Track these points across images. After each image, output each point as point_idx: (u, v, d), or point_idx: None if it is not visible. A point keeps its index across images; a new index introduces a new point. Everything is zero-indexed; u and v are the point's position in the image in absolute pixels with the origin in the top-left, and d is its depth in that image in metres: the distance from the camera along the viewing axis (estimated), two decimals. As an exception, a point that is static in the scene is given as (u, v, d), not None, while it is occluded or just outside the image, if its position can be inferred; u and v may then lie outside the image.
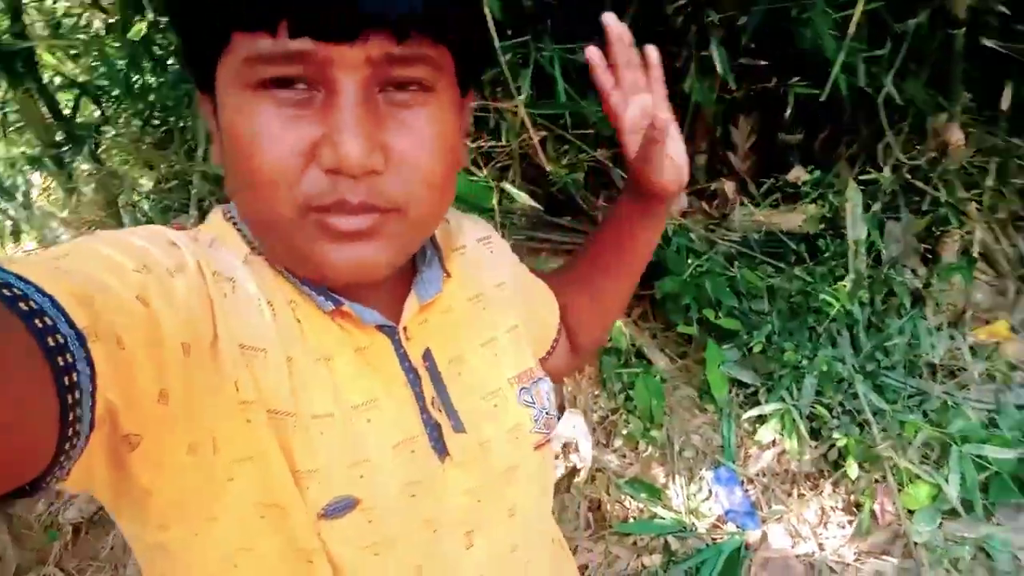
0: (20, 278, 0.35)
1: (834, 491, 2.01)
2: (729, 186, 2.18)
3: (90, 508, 1.79)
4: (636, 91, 0.69)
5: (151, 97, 1.96)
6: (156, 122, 1.96)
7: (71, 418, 0.34)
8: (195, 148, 1.72)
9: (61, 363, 0.33)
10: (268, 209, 0.47)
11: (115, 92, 1.89)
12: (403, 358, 0.56)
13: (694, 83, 1.85)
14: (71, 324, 0.35)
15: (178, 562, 0.50)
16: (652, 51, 0.68)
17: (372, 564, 0.52)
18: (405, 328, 0.57)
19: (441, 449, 0.56)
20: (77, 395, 0.34)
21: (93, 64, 1.88)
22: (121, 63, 1.73)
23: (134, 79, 1.88)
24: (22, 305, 0.33)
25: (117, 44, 1.85)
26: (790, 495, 1.98)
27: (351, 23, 0.43)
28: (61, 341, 0.34)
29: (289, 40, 0.43)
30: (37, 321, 0.33)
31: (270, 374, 0.49)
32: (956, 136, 2.30)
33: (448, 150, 0.50)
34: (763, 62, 2.00)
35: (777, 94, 2.15)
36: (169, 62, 1.84)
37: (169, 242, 0.48)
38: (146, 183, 2.04)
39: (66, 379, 0.34)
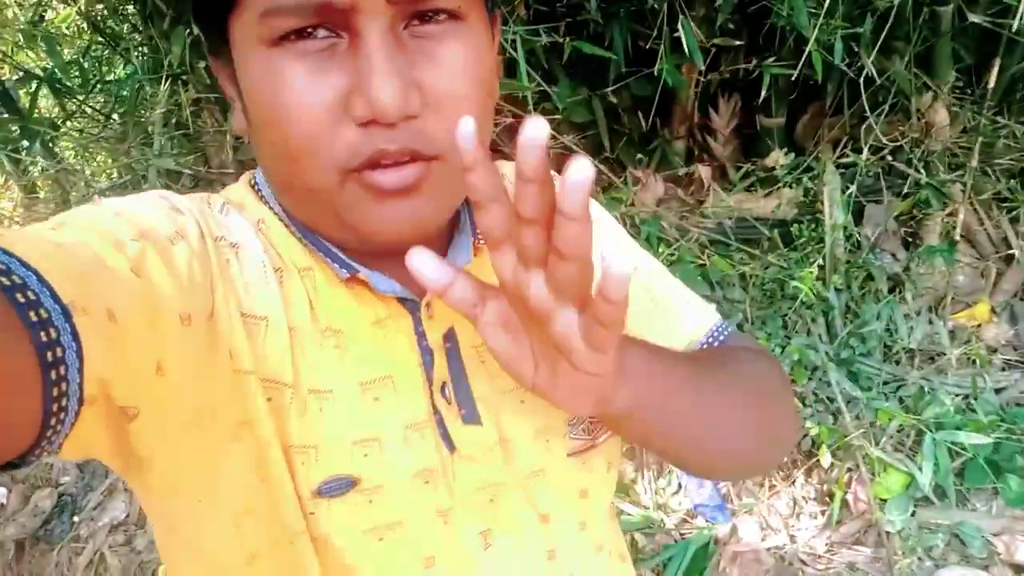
0: (3, 251, 0.34)
1: (807, 481, 1.99)
2: (704, 171, 2.13)
3: (34, 523, 1.79)
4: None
5: (111, 89, 1.92)
6: (116, 116, 1.92)
7: (56, 394, 0.33)
8: (151, 142, 1.69)
9: (44, 338, 0.32)
10: (305, 177, 0.45)
11: (75, 84, 1.86)
12: (421, 336, 0.52)
13: (665, 64, 1.79)
14: (56, 298, 0.33)
15: (184, 528, 0.50)
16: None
17: (375, 549, 0.50)
18: (429, 304, 0.53)
19: (448, 440, 0.52)
20: (63, 370, 0.33)
21: (47, 51, 1.85)
22: (72, 52, 1.69)
23: (93, 70, 1.84)
24: (3, 280, 0.32)
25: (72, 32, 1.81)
26: (761, 487, 1.97)
27: None
28: (44, 316, 0.32)
29: None
30: (19, 295, 0.32)
31: (269, 343, 0.47)
32: (941, 116, 2.25)
33: (484, 82, 0.47)
34: (738, 42, 1.94)
35: (759, 77, 2.09)
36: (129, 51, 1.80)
37: (172, 207, 0.47)
38: (103, 180, 2.02)
39: (49, 354, 0.32)
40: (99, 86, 1.88)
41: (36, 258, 0.34)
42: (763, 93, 1.95)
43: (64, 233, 0.40)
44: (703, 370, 0.56)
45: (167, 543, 0.54)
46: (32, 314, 0.32)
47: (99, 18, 1.78)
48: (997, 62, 2.17)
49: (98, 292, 0.37)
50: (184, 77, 1.67)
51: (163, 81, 1.58)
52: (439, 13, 0.44)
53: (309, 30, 0.43)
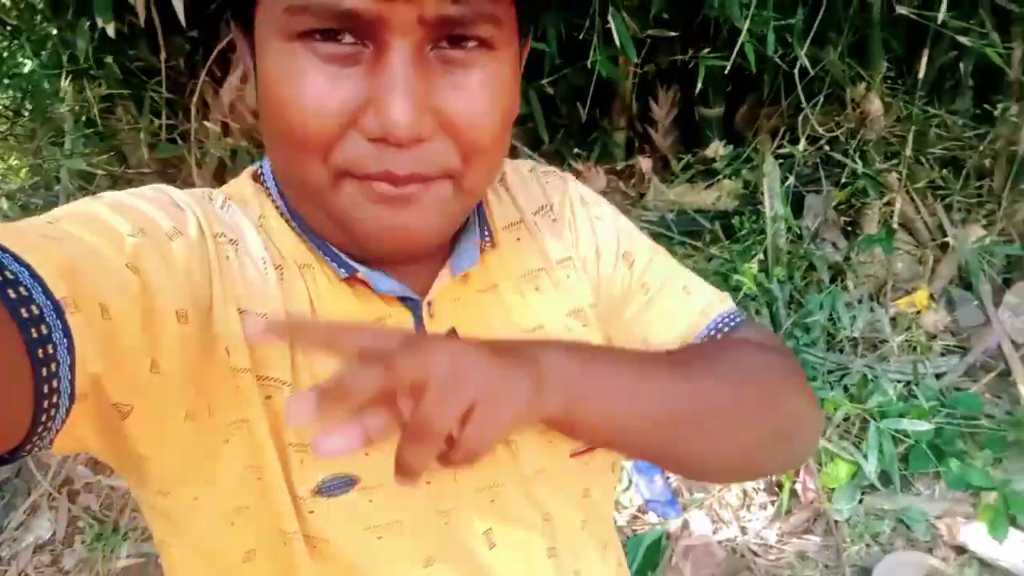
0: None
1: (756, 472, 1.98)
2: (645, 163, 2.11)
3: None
4: None
5: (20, 85, 1.80)
6: (26, 113, 1.80)
7: (47, 390, 0.33)
8: (62, 142, 1.58)
9: (35, 335, 0.32)
10: (302, 172, 0.45)
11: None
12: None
13: (598, 56, 1.76)
14: (48, 294, 0.33)
15: (180, 525, 0.50)
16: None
17: (374, 548, 0.50)
18: (430, 303, 0.52)
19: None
20: (53, 367, 0.33)
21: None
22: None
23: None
24: None
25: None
26: (711, 479, 1.95)
27: None
28: (36, 312, 0.33)
29: None
30: (11, 291, 0.32)
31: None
32: (875, 106, 2.27)
33: (505, 112, 0.46)
34: (672, 33, 1.93)
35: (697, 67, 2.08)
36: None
37: (172, 203, 0.47)
38: (14, 181, 1.89)
39: (40, 351, 0.33)
40: (6, 80, 1.76)
41: (30, 253, 0.34)
42: (699, 84, 1.93)
43: (61, 227, 0.39)
44: (678, 364, 0.53)
45: (164, 539, 0.53)
46: (24, 310, 0.32)
47: (2, 8, 1.66)
48: (925, 53, 2.21)
49: (92, 288, 0.36)
50: (92, 72, 1.56)
51: (64, 77, 1.47)
52: (470, 40, 0.43)
53: (334, 32, 0.42)
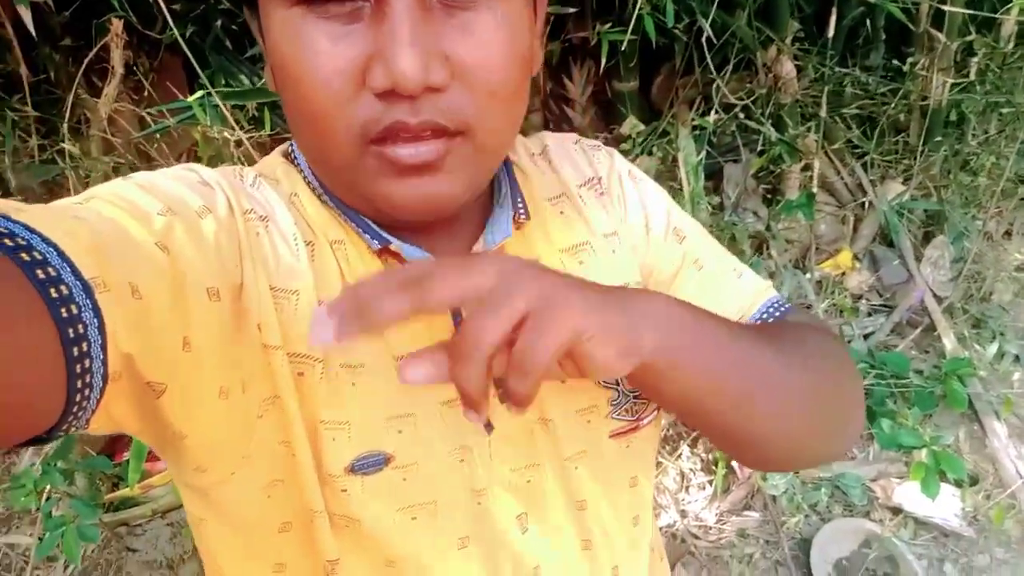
0: (25, 227, 0.33)
1: (692, 452, 1.96)
2: (558, 146, 2.03)
3: None
4: None
5: None
6: None
7: (79, 370, 0.33)
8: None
9: (65, 314, 0.32)
10: (323, 144, 0.44)
11: None
12: (456, 311, 0.51)
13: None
14: (77, 274, 0.33)
15: (216, 501, 0.49)
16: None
17: (409, 528, 0.49)
18: None
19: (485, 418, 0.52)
20: (85, 347, 0.33)
21: None
22: None
23: None
24: (23, 256, 0.32)
25: None
26: (647, 465, 1.92)
27: None
28: (65, 292, 0.32)
29: None
30: (39, 272, 0.32)
31: (300, 318, 0.46)
32: (787, 69, 2.24)
33: (519, 55, 0.44)
34: (571, 9, 1.85)
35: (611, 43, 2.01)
36: None
37: (201, 181, 0.47)
38: None
39: (71, 331, 0.32)
40: None
41: (58, 234, 0.34)
42: (603, 59, 1.86)
43: (90, 207, 0.39)
44: (752, 332, 0.52)
45: (200, 516, 0.53)
46: (52, 290, 0.32)
47: None
48: (834, 11, 2.18)
49: (121, 268, 0.36)
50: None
51: None
52: None
53: None
